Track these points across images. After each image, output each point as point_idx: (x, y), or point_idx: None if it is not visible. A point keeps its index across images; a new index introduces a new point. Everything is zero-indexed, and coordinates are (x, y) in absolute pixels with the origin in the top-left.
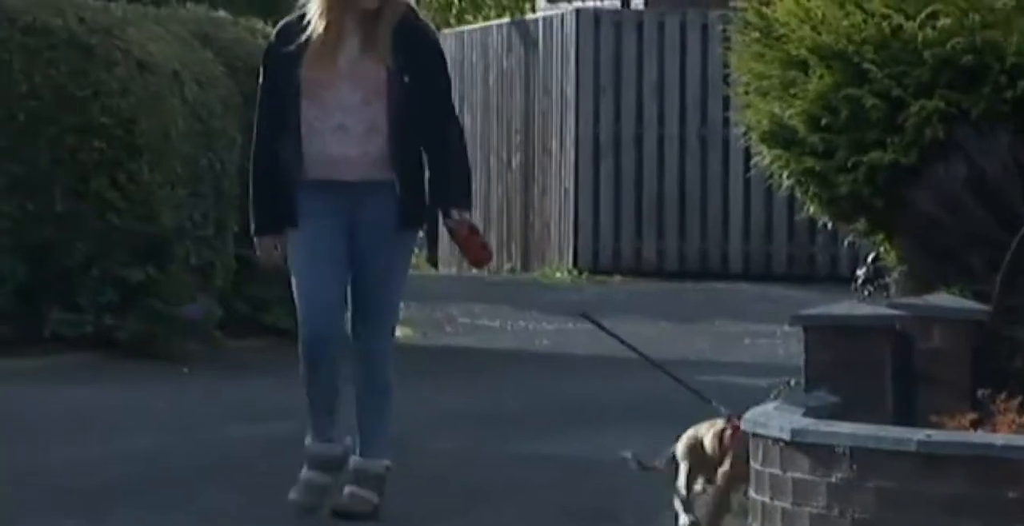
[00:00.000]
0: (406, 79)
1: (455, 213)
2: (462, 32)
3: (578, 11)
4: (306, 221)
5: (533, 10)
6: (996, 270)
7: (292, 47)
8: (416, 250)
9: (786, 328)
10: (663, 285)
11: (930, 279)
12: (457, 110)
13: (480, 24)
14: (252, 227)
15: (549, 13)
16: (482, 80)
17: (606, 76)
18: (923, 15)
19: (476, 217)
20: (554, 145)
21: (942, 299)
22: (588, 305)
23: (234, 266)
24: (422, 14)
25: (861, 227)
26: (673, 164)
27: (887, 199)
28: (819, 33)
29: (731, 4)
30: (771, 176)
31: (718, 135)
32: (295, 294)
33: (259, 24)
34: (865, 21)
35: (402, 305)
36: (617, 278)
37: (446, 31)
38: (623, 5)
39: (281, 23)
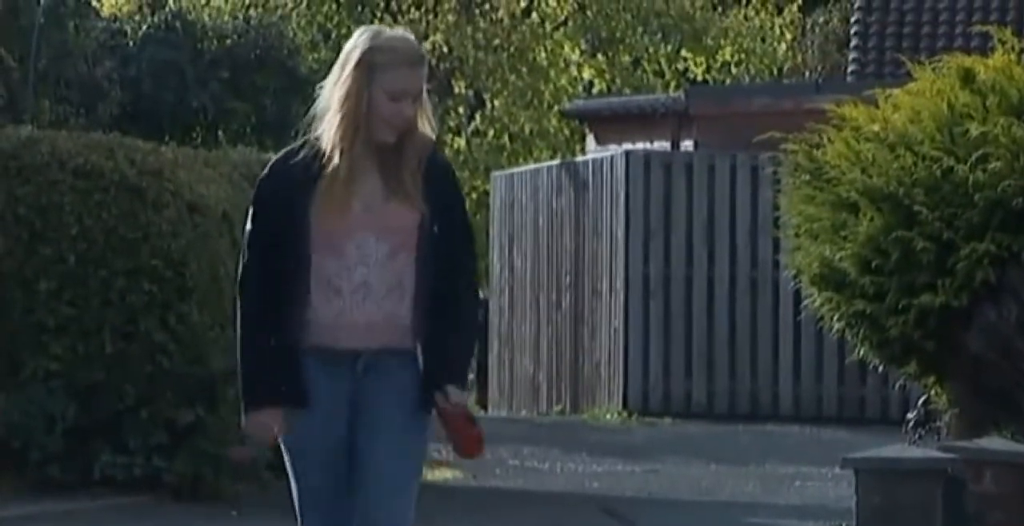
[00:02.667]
0: (435, 229)
1: (453, 393)
2: (512, 174)
3: (628, 153)
4: (311, 400)
5: (583, 152)
6: None
7: (296, 187)
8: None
9: (837, 470)
10: (713, 427)
11: (982, 422)
12: (507, 252)
13: (531, 166)
14: (243, 403)
15: (599, 155)
16: (532, 221)
17: (656, 217)
18: (973, 158)
19: (527, 357)
20: (604, 286)
21: (994, 442)
22: (638, 447)
23: None
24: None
25: (912, 370)
26: (723, 306)
27: (938, 342)
28: (869, 176)
29: (781, 147)
30: (821, 318)
31: (768, 277)
32: (295, 492)
33: None
34: (915, 164)
35: (451, 446)
36: (667, 419)
37: (496, 173)
38: (673, 147)
39: (276, 157)
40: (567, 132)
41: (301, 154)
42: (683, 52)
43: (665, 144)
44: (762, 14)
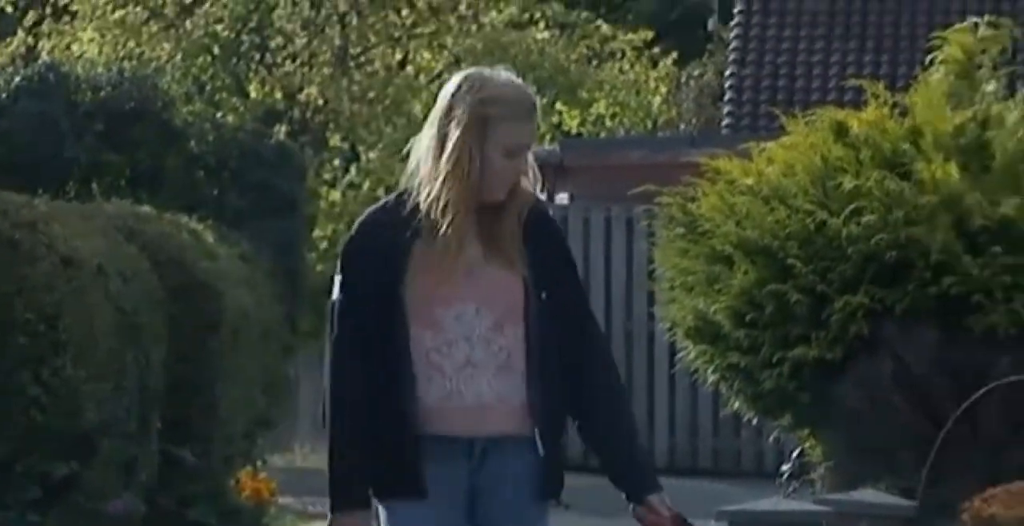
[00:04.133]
0: (543, 296)
1: (656, 500)
2: None
3: None
4: (417, 496)
5: None
6: (922, 466)
7: (389, 248)
8: None
9: (712, 523)
10: (589, 479)
11: (856, 475)
12: None
13: None
14: (331, 501)
15: None
16: None
17: None
18: (847, 211)
19: None
20: None
21: (868, 495)
22: None
23: (158, 461)
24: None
25: (786, 422)
26: None
27: (812, 395)
28: (743, 228)
29: (656, 199)
30: (696, 371)
31: (643, 329)
32: None
33: (183, 218)
34: (789, 217)
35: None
36: None
37: None
38: (548, 199)
39: (365, 215)
40: None
41: (394, 211)
42: (557, 105)
43: (540, 196)
44: (637, 67)
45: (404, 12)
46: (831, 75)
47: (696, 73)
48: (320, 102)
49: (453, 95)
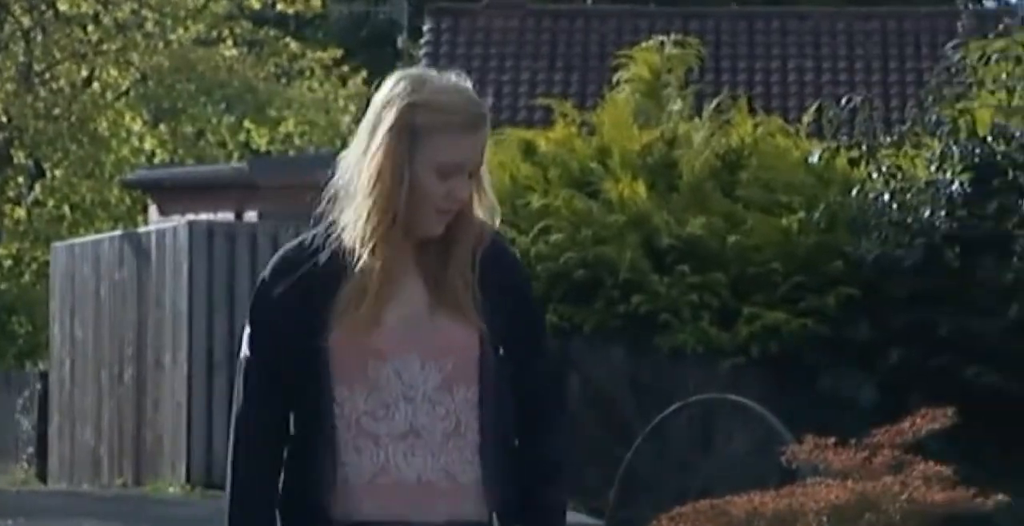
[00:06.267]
0: (500, 351)
1: None
2: (73, 244)
3: (191, 223)
4: None
5: (146, 222)
6: (610, 485)
7: (308, 294)
8: (26, 465)
9: None
10: None
11: None
12: (68, 323)
13: (92, 236)
14: None
15: (162, 225)
16: (94, 293)
17: (219, 289)
18: (535, 230)
19: (88, 429)
20: (167, 358)
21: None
22: (201, 520)
23: None
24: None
25: None
26: None
27: None
28: None
29: None
30: None
31: None
32: None
33: None
34: None
35: (10, 521)
36: None
37: (57, 243)
38: (237, 217)
39: (280, 254)
40: (129, 202)
41: (313, 249)
42: (246, 123)
43: (229, 215)
44: (326, 85)
45: (90, 28)
46: (520, 93)
47: None
48: (4, 119)
49: (383, 100)
